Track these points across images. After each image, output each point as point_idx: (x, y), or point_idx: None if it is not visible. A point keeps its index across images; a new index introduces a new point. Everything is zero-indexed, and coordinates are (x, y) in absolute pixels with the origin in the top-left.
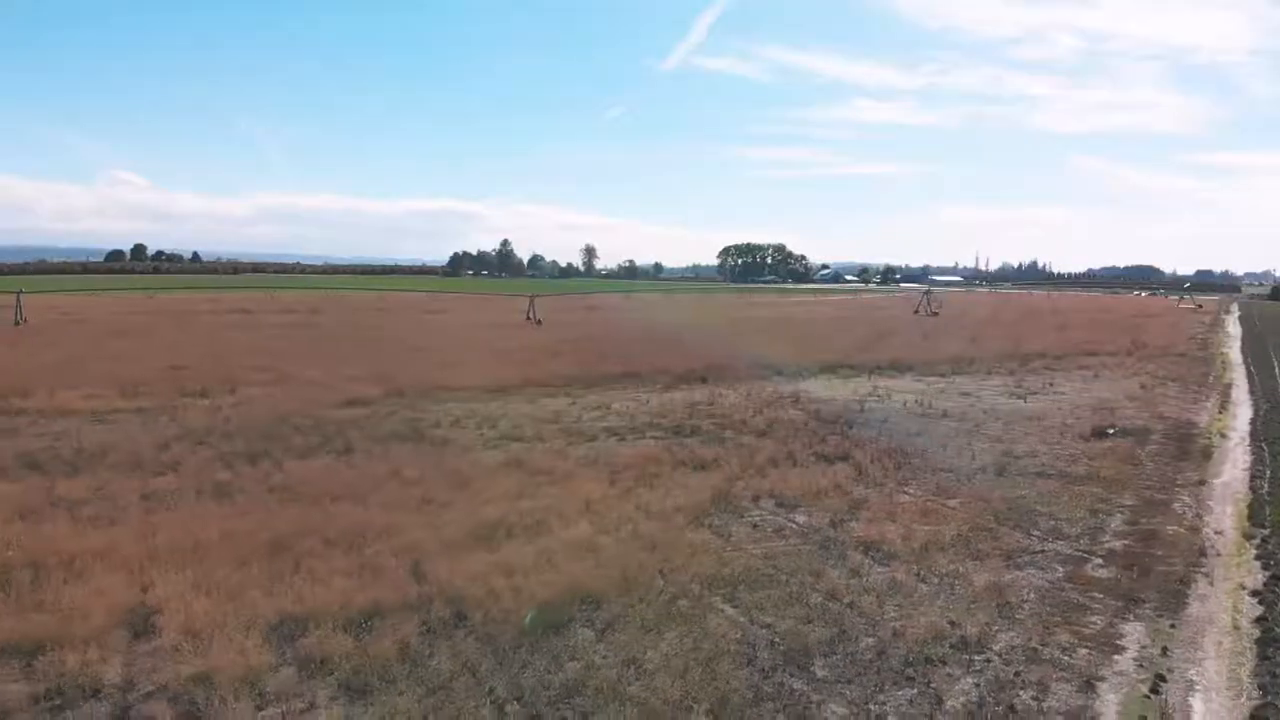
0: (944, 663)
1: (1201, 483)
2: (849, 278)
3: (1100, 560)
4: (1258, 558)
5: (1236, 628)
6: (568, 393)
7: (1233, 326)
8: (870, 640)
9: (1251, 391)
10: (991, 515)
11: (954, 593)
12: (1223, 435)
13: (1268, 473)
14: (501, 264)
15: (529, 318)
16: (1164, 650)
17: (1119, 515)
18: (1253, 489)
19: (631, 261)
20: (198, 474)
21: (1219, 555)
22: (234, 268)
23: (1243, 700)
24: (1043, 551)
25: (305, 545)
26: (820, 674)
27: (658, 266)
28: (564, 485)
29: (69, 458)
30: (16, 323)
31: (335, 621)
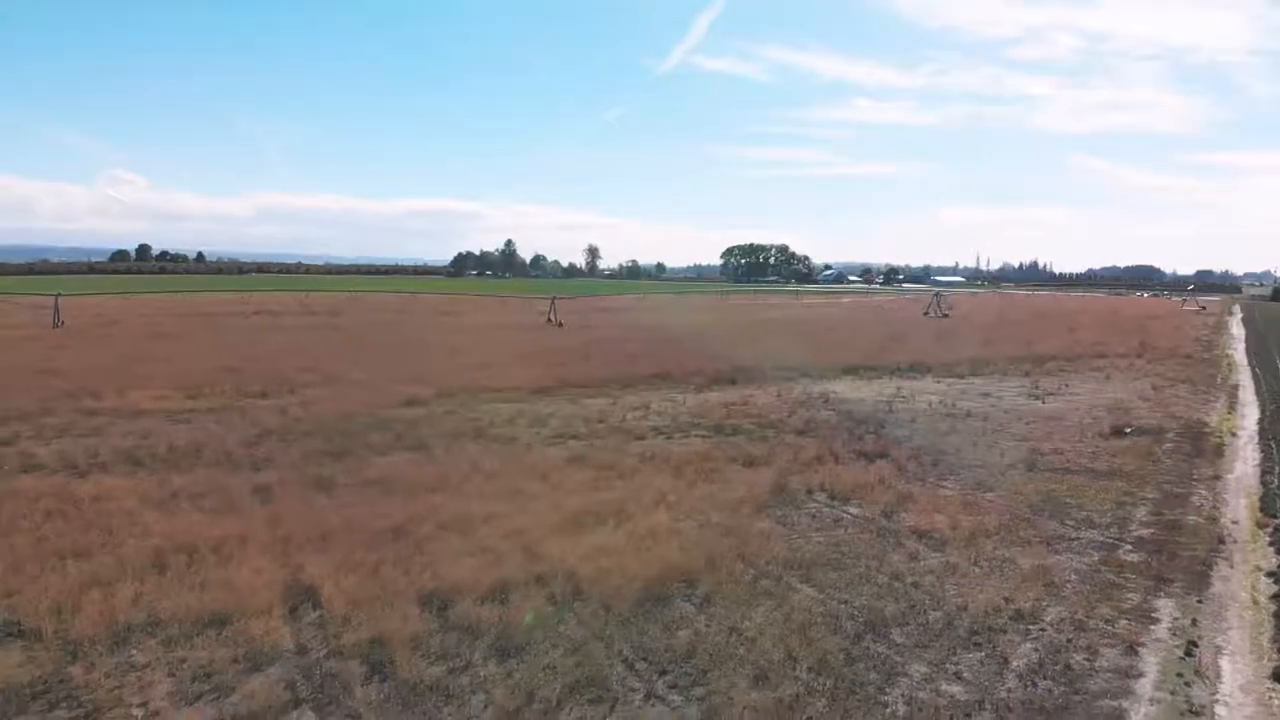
0: (1004, 631)
1: (1216, 478)
2: (852, 278)
3: (1130, 546)
4: (1271, 544)
5: (1255, 603)
6: (605, 393)
7: (1236, 328)
8: (937, 614)
9: (1258, 392)
10: (1027, 507)
11: (1004, 574)
12: (1233, 434)
13: (1276, 469)
14: (505, 264)
15: (549, 319)
16: (1193, 621)
17: (1143, 507)
18: (1263, 483)
19: (634, 261)
20: (294, 469)
21: (1236, 542)
22: (239, 268)
23: (1264, 661)
24: (1078, 539)
25: (422, 531)
26: (899, 640)
27: (660, 266)
28: (631, 479)
29: (165, 455)
30: (55, 325)
31: (472, 595)
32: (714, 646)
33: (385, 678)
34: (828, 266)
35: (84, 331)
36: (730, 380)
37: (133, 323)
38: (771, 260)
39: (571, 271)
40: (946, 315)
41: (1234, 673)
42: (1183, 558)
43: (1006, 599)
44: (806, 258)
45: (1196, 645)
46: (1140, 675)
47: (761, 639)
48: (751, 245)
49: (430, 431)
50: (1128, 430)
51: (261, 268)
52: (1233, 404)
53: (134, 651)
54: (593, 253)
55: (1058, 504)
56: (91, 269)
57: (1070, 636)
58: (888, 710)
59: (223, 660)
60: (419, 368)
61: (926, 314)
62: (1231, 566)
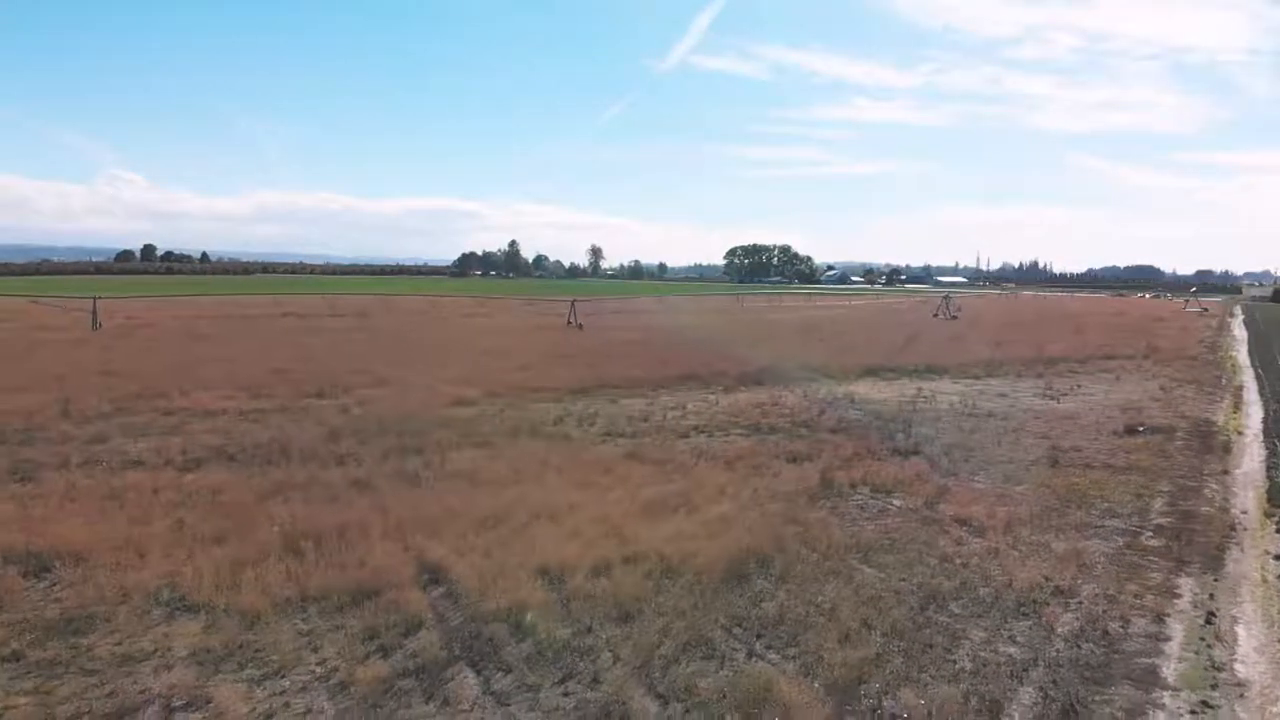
0: (1047, 604)
1: (1225, 472)
2: (855, 279)
3: (1151, 533)
4: (1278, 531)
5: (1265, 581)
6: (640, 394)
7: (1238, 330)
8: (987, 589)
9: (1261, 393)
10: (1055, 498)
11: (1041, 556)
12: (1239, 432)
13: None
14: (509, 264)
15: (569, 321)
16: (1211, 596)
17: (1160, 498)
18: (1269, 477)
19: (637, 262)
20: (378, 464)
21: (1246, 530)
22: (244, 268)
23: (1275, 629)
24: (1104, 526)
25: (517, 517)
26: (957, 611)
27: (662, 267)
28: (689, 473)
29: (253, 451)
30: (94, 328)
31: (582, 571)
32: (798, 615)
33: (525, 638)
34: (830, 267)
35: (125, 334)
36: (756, 381)
37: (168, 325)
38: (774, 261)
39: (574, 272)
40: (955, 317)
41: (1249, 638)
42: (1199, 543)
43: (1046, 577)
44: (809, 258)
45: (1215, 615)
46: (1168, 639)
47: (838, 609)
48: (754, 246)
49: (489, 430)
50: (1141, 429)
51: (266, 268)
52: (1238, 404)
53: (299, 621)
54: (596, 253)
55: (1082, 496)
56: (98, 269)
57: (1105, 608)
58: (956, 666)
59: (380, 626)
60: (461, 369)
61: (936, 315)
62: (1242, 550)
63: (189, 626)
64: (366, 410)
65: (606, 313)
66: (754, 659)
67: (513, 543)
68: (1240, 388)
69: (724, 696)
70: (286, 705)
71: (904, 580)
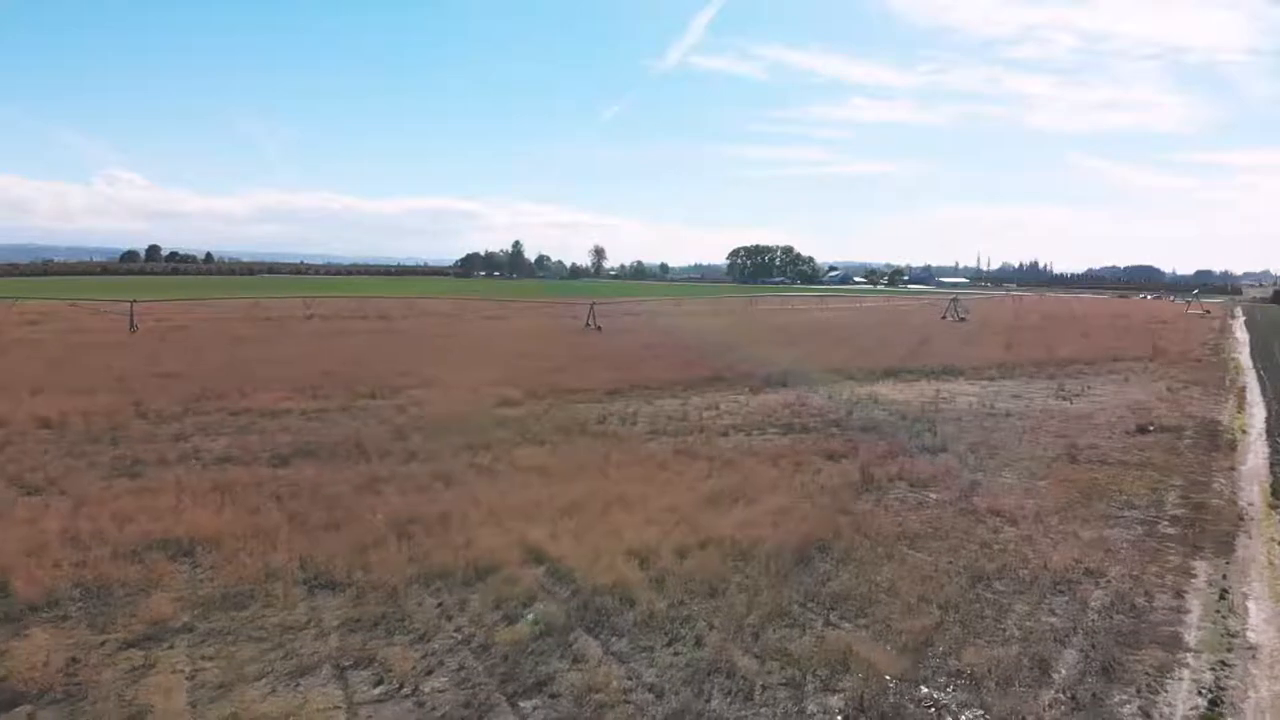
0: (1080, 583)
1: (1232, 469)
2: (857, 279)
3: (1167, 522)
4: None
5: (1272, 564)
6: (672, 394)
7: (1240, 332)
8: (1025, 571)
9: (1264, 393)
10: (1077, 492)
11: (1070, 542)
12: (1243, 431)
13: None
14: (513, 265)
15: (588, 323)
16: (1224, 576)
17: (1173, 492)
18: (1273, 473)
19: (639, 262)
20: (450, 459)
21: (1253, 520)
22: (248, 269)
23: None
24: (1124, 516)
25: (594, 507)
26: (1001, 589)
27: (664, 267)
28: (739, 468)
29: (332, 448)
30: (131, 330)
31: (665, 553)
32: (863, 592)
33: (631, 607)
34: (833, 268)
35: (162, 336)
36: (781, 383)
37: (200, 328)
38: (777, 261)
39: (577, 272)
40: (963, 319)
41: (1259, 610)
42: (1210, 531)
43: (1076, 560)
44: (811, 259)
45: (1228, 592)
46: (1188, 611)
47: (897, 586)
48: (757, 246)
49: (539, 429)
50: (1151, 428)
51: (271, 268)
52: (1241, 404)
53: (426, 596)
54: (599, 253)
55: (1101, 489)
56: (104, 270)
57: (1131, 586)
58: (1006, 633)
59: (502, 597)
60: (499, 371)
61: (944, 317)
62: (1250, 538)
63: (333, 601)
64: (423, 410)
65: (619, 314)
66: (830, 627)
67: (597, 527)
68: (1243, 389)
69: (812, 656)
70: (441, 663)
71: (950, 563)
